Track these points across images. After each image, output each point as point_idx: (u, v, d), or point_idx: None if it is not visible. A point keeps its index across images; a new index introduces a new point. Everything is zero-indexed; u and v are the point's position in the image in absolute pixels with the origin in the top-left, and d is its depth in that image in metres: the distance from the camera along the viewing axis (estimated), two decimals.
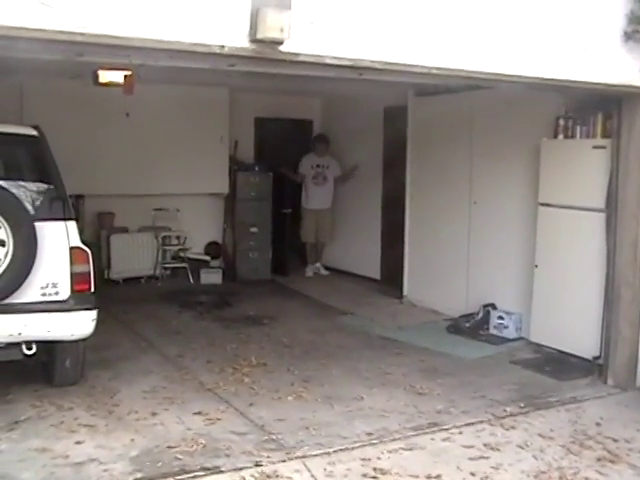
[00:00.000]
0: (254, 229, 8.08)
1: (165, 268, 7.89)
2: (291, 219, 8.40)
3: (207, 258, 8.18)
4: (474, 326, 6.01)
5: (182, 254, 7.95)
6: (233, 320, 6.25)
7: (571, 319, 5.21)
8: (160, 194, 7.77)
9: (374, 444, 3.74)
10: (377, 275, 7.82)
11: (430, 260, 6.82)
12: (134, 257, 7.60)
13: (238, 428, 3.91)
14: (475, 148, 6.24)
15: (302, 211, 8.29)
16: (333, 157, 8.22)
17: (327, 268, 8.49)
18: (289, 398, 4.37)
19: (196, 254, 8.08)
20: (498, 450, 3.71)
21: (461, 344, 5.73)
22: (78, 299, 4.09)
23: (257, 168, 8.17)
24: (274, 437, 3.79)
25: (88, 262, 4.12)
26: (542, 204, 5.40)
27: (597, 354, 4.96)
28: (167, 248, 7.90)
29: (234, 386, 4.54)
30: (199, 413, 4.08)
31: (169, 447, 3.64)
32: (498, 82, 3.96)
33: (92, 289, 4.15)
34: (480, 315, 6.05)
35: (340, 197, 8.33)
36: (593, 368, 4.94)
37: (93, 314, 4.12)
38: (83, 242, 4.19)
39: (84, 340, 4.23)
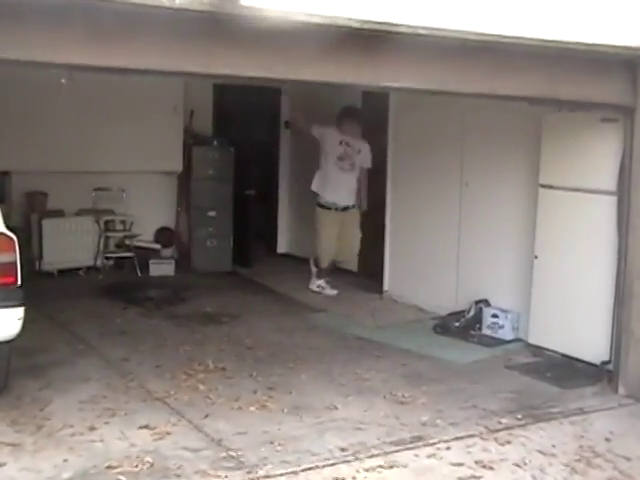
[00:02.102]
0: (212, 213, 8.04)
1: (108, 258, 7.84)
2: (256, 202, 8.37)
3: (157, 246, 8.14)
4: (464, 325, 6.01)
5: (128, 242, 7.89)
6: (187, 318, 6.24)
7: (576, 318, 5.22)
8: (102, 171, 7.65)
9: (349, 461, 3.72)
10: (354, 267, 7.83)
11: (414, 250, 6.82)
12: (71, 245, 7.49)
13: (191, 444, 3.86)
14: (468, 122, 6.22)
15: (317, 212, 6.84)
16: (366, 142, 6.92)
17: (296, 258, 8.45)
18: (251, 408, 4.35)
19: (144, 242, 8.02)
20: (491, 469, 3.70)
21: (449, 346, 5.73)
22: (1, 294, 4.02)
23: (216, 142, 8.09)
24: (233, 454, 3.75)
25: (14, 251, 4.06)
26: (543, 186, 5.40)
27: (606, 358, 4.98)
28: (110, 235, 7.84)
29: (187, 394, 4.51)
30: (146, 427, 4.03)
31: (109, 467, 3.57)
32: (495, 45, 3.92)
33: (18, 282, 4.10)
34: (471, 313, 6.05)
35: (308, 176, 8.28)
36: (602, 374, 4.96)
37: (19, 312, 4.07)
38: (8, 227, 4.14)
39: (9, 343, 4.18)
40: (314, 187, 6.92)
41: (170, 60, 3.36)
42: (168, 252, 8.20)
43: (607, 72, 4.45)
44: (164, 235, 8.28)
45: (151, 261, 7.82)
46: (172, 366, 4.96)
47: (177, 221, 8.34)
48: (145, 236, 8.09)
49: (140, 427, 4.01)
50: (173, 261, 7.97)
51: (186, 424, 4.09)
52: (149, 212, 8.09)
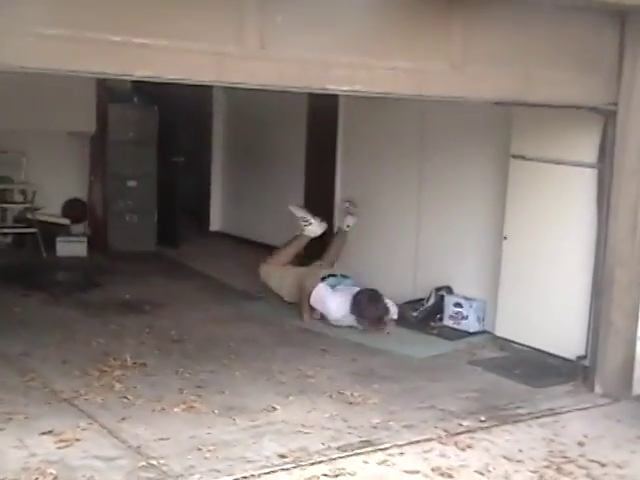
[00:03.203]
0: (132, 183, 7.98)
1: (5, 234, 7.75)
2: (184, 171, 8.34)
3: (66, 222, 8.07)
4: (423, 316, 6.07)
5: (30, 215, 7.79)
6: (102, 307, 6.22)
7: (549, 308, 5.30)
8: None
9: (288, 469, 3.72)
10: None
11: (367, 228, 6.83)
12: None
13: (105, 451, 3.82)
14: None
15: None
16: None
17: (232, 237, 8.43)
18: (176, 410, 4.33)
19: (50, 216, 7.93)
20: (450, 476, 3.74)
21: (406, 339, 5.79)
22: None
23: (136, 99, 7.99)
24: (154, 462, 3.72)
25: None
26: (515, 156, 5.48)
27: (582, 353, 5.06)
28: (7, 207, 7.76)
29: (101, 395, 4.47)
30: (49, 432, 3.97)
31: None
32: None
33: None
34: (431, 302, 6.10)
35: (247, 142, 8.30)
36: (576, 371, 5.03)
37: None
38: None
39: None
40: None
41: None
42: (79, 228, 8.15)
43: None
44: (74, 208, 8.21)
45: (58, 239, 7.75)
46: (82, 362, 4.91)
47: (90, 192, 8.26)
48: (51, 209, 7.99)
49: (42, 433, 3.95)
50: (85, 239, 7.92)
51: (98, 429, 4.05)
52: (55, 181, 7.98)
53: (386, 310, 5.96)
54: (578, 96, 4.62)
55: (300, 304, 6.16)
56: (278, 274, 6.50)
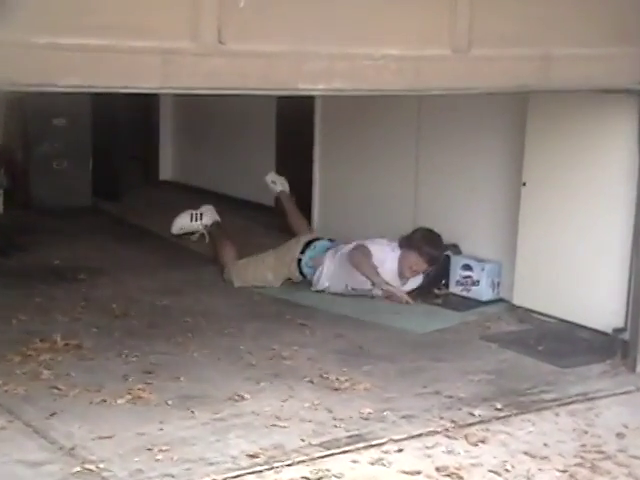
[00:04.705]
0: (60, 121, 7.94)
1: None
2: (127, 107, 8.31)
3: None
4: (425, 282, 6.09)
5: None
6: (25, 275, 6.24)
7: (579, 270, 5.31)
8: None
9: (260, 472, 3.72)
10: (271, 201, 7.84)
11: (355, 176, 6.84)
12: None
13: (30, 455, 3.79)
14: None
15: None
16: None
17: (186, 187, 8.52)
18: (120, 401, 4.32)
19: None
20: (459, 478, 3.74)
21: (403, 310, 5.81)
22: None
23: None
24: (92, 467, 3.69)
25: None
26: None
27: (620, 325, 5.07)
28: None
29: (24, 385, 4.44)
30: None
31: None
32: None
33: None
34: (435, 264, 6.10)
35: None
36: (614, 347, 5.05)
37: None
38: None
39: None
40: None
41: None
42: None
43: None
44: None
45: None
46: (0, 345, 4.88)
47: (5, 132, 8.17)
48: None
49: None
50: (1, 192, 7.84)
51: (21, 427, 4.02)
52: None
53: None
54: (607, 76, 4.60)
55: (366, 273, 5.95)
56: (251, 266, 6.41)
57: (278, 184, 7.03)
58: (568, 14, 4.37)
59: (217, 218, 6.76)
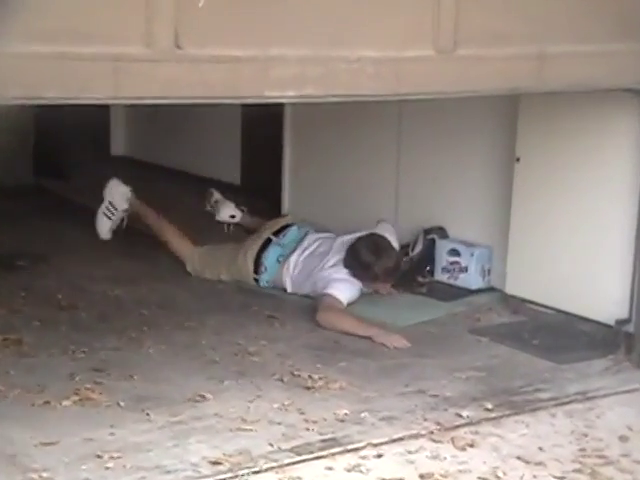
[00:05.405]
0: None
1: None
2: None
3: None
4: (408, 268, 6.13)
5: None
6: None
7: (579, 256, 5.34)
8: None
9: None
10: (236, 178, 8.01)
11: (329, 152, 6.89)
12: None
13: None
14: None
15: None
16: None
17: (141, 164, 8.59)
18: (66, 403, 4.30)
19: None
20: None
21: (384, 300, 5.88)
22: None
23: None
24: (35, 476, 3.66)
25: None
26: None
27: (624, 316, 5.09)
28: None
29: None
30: None
31: None
32: None
33: None
34: (418, 249, 6.19)
35: None
36: (617, 340, 5.07)
37: None
38: None
39: None
40: None
41: None
42: None
43: None
44: None
45: None
46: None
47: None
48: None
49: None
50: None
51: None
52: None
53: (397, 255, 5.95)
54: (608, 75, 4.58)
55: (350, 332, 5.49)
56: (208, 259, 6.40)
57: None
58: (565, 8, 4.34)
59: (127, 194, 6.64)
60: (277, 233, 6.24)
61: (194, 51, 3.58)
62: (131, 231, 6.89)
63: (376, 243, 5.86)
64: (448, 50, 4.09)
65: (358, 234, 5.94)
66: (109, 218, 6.63)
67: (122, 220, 6.66)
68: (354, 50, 3.90)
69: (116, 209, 6.61)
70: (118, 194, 6.64)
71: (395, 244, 6.00)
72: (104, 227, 6.65)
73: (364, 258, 5.77)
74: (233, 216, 6.90)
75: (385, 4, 3.95)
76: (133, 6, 3.45)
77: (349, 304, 5.67)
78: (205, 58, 3.63)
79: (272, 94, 3.89)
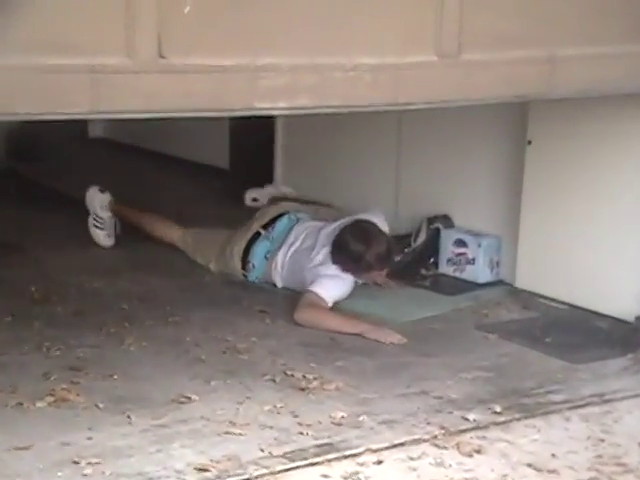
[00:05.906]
0: None
1: None
2: None
3: None
4: (411, 259, 6.16)
5: None
6: None
7: (594, 247, 5.34)
8: None
9: None
10: (224, 162, 8.07)
11: (326, 134, 6.90)
12: None
13: None
14: None
15: None
16: None
17: (120, 145, 8.71)
18: (40, 404, 4.28)
19: None
20: None
21: (384, 294, 5.89)
22: None
23: None
24: None
25: None
26: None
27: None
28: None
29: None
30: None
31: None
32: None
33: None
34: (422, 239, 6.20)
35: None
36: (636, 338, 5.10)
37: None
38: None
39: None
40: None
41: None
42: None
43: None
44: None
45: None
46: None
47: None
48: None
49: None
50: None
51: None
52: None
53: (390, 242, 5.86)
54: (622, 78, 4.57)
55: (337, 330, 5.47)
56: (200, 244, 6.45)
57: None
58: (576, 7, 4.33)
59: (106, 201, 6.67)
60: (266, 226, 6.20)
61: (179, 61, 3.55)
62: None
63: (363, 229, 5.78)
64: (452, 55, 4.06)
65: (341, 221, 5.90)
66: (101, 229, 6.69)
67: (115, 225, 6.71)
68: (350, 57, 3.88)
69: (102, 218, 6.67)
70: (98, 203, 6.69)
71: (384, 227, 5.93)
72: (99, 237, 6.70)
73: (353, 248, 5.69)
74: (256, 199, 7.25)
75: (383, 6, 3.92)
76: (112, 12, 3.40)
77: (337, 302, 5.61)
78: (191, 68, 3.60)
79: (262, 105, 3.87)
